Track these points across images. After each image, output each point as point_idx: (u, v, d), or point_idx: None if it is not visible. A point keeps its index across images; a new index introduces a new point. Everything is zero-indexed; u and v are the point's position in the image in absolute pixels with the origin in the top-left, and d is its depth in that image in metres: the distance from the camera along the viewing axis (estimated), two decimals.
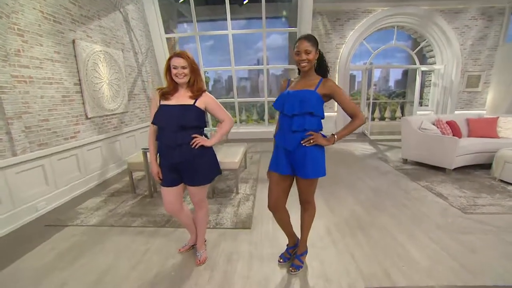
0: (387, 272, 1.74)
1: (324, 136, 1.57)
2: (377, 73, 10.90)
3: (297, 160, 1.56)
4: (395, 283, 1.64)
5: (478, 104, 6.86)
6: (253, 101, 8.31)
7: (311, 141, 1.50)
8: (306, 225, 1.78)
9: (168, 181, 1.74)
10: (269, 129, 7.22)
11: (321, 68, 1.59)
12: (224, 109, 1.81)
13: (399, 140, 4.66)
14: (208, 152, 1.77)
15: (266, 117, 7.42)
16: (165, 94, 1.67)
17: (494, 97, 6.61)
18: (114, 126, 4.20)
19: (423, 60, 7.39)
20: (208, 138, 1.77)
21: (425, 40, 6.82)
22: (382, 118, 8.63)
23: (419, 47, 6.99)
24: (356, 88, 10.20)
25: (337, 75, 6.81)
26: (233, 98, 7.13)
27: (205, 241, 2.11)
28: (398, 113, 8.60)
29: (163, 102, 1.67)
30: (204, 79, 1.81)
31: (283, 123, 1.61)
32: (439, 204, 2.74)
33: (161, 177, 1.75)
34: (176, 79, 1.62)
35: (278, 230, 2.23)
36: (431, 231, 2.23)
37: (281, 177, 1.66)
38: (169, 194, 1.77)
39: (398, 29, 6.82)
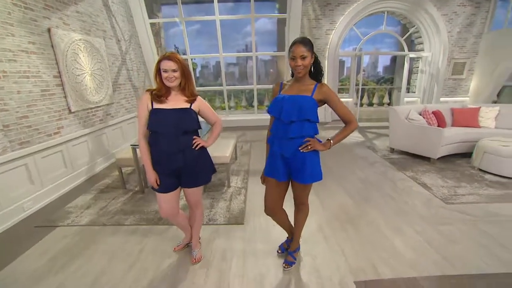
0: (374, 266, 1.85)
1: (319, 141, 1.58)
2: (366, 59, 10.87)
3: (295, 166, 1.58)
4: (381, 276, 1.75)
5: (462, 91, 7.05)
6: (242, 88, 8.17)
7: (309, 147, 1.51)
8: (299, 225, 1.83)
9: (166, 187, 1.71)
10: (258, 116, 7.20)
11: (316, 72, 1.57)
12: (214, 112, 1.80)
13: (387, 127, 4.76)
14: (205, 152, 1.79)
15: (255, 103, 7.35)
16: (158, 97, 1.60)
17: (477, 84, 6.79)
18: (100, 119, 4.06)
19: (411, 46, 7.41)
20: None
21: (414, 26, 6.80)
22: (370, 104, 8.75)
23: (408, 33, 6.99)
24: (345, 73, 10.20)
25: (326, 61, 6.75)
26: (221, 85, 6.97)
27: (200, 239, 2.14)
28: (386, 99, 8.74)
29: (158, 106, 1.60)
30: (194, 83, 1.75)
31: (279, 129, 1.59)
32: (423, 195, 2.87)
33: (158, 184, 1.71)
34: (167, 83, 1.57)
35: (271, 225, 2.30)
36: (415, 223, 2.35)
37: (277, 183, 1.67)
38: (167, 200, 1.75)
39: (388, 14, 6.75)
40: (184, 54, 6.47)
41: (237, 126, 6.95)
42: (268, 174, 1.69)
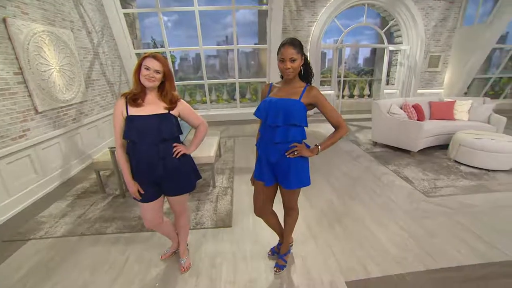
0: (363, 264, 1.90)
1: (307, 146, 1.56)
2: (347, 51, 11.03)
3: (281, 171, 1.55)
4: (370, 274, 1.80)
5: (438, 83, 7.37)
6: (224, 82, 8.00)
7: (295, 153, 1.48)
8: (288, 229, 1.82)
9: (148, 197, 1.62)
10: (241, 110, 7.11)
11: (306, 74, 1.52)
12: (198, 114, 1.70)
13: (368, 120, 4.88)
14: (188, 159, 1.69)
15: (237, 97, 7.23)
16: (134, 99, 1.48)
17: (451, 77, 7.13)
18: (73, 118, 3.79)
19: (390, 39, 7.58)
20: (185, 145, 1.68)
21: (393, 19, 6.94)
22: (351, 96, 8.92)
23: (387, 26, 7.12)
24: (326, 65, 10.31)
25: (308, 53, 6.74)
26: (202, 79, 6.76)
27: (188, 246, 2.08)
28: (367, 91, 8.94)
29: (134, 112, 1.47)
30: (176, 86, 1.63)
31: (265, 133, 1.55)
32: (405, 189, 2.98)
33: (139, 193, 1.61)
34: (144, 82, 1.44)
35: (259, 226, 2.29)
36: (399, 218, 2.44)
37: (265, 186, 1.64)
38: (150, 210, 1.67)
39: (368, 6, 6.82)
40: (162, 46, 6.18)
41: (220, 121, 6.83)
42: (257, 177, 1.67)
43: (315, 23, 6.60)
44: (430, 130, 3.86)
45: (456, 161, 3.65)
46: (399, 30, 7.08)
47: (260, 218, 1.83)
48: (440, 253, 1.99)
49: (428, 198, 2.77)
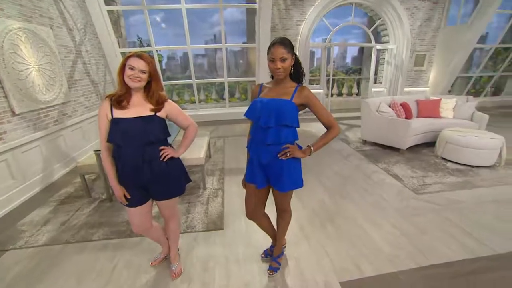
0: (356, 263, 1.91)
1: (299, 147, 1.54)
2: (335, 50, 11.18)
3: (273, 174, 1.53)
4: (364, 273, 1.81)
5: (423, 82, 7.57)
6: (212, 81, 7.91)
7: (288, 154, 1.46)
8: (281, 231, 1.81)
9: (135, 201, 1.57)
10: (230, 110, 7.05)
11: (297, 73, 1.50)
12: (186, 115, 1.65)
13: (357, 118, 4.94)
14: (176, 162, 1.64)
15: (226, 96, 7.16)
16: (118, 101, 1.42)
17: (436, 75, 7.34)
18: (55, 120, 3.63)
19: (377, 38, 7.72)
20: (173, 148, 1.63)
21: (380, 18, 7.06)
22: (339, 94, 9.03)
23: (374, 26, 7.24)
24: (315, 64, 10.38)
25: (297, 52, 6.75)
26: (190, 79, 6.66)
27: (178, 251, 2.03)
28: (355, 89, 9.07)
29: (118, 114, 1.42)
30: (163, 86, 1.58)
31: (256, 135, 1.52)
32: (395, 187, 3.04)
33: (126, 198, 1.55)
34: (129, 82, 1.38)
35: (251, 228, 2.26)
36: (390, 216, 2.48)
37: (257, 189, 1.62)
38: (138, 214, 1.61)
39: (355, 6, 6.91)
40: (149, 45, 6.03)
41: (209, 121, 6.75)
42: (248, 180, 1.64)
43: (304, 22, 6.62)
44: (418, 128, 3.95)
45: (443, 158, 3.76)
46: (386, 29, 7.22)
47: (252, 221, 1.81)
48: (431, 249, 2.03)
49: (417, 195, 2.83)
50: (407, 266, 1.87)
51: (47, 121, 3.48)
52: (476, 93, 8.27)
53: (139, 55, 1.38)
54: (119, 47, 5.70)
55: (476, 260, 1.92)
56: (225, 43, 6.39)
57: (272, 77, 1.53)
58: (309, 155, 1.52)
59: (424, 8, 6.84)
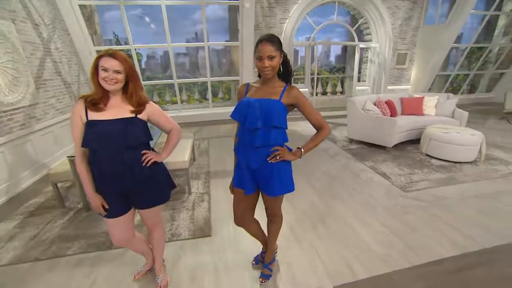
0: (349, 265, 1.89)
1: (289, 149, 1.50)
2: (319, 48, 11.36)
3: (262, 178, 1.47)
4: (357, 276, 1.80)
5: (405, 80, 7.84)
6: (195, 81, 7.75)
7: (278, 157, 1.41)
8: (272, 236, 1.76)
9: (115, 211, 1.46)
10: (214, 110, 6.94)
11: (285, 72, 1.46)
12: (169, 117, 1.57)
13: (342, 117, 5.01)
14: (160, 167, 1.55)
15: (209, 96, 7.03)
16: (94, 103, 1.31)
17: (417, 73, 7.62)
18: (21, 124, 3.37)
19: (360, 36, 7.90)
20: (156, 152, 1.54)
21: (363, 17, 7.22)
22: (324, 93, 9.16)
23: (357, 24, 7.40)
24: (299, 63, 10.46)
25: None
26: (171, 79, 6.47)
27: (164, 262, 1.93)
28: (339, 88, 9.23)
29: (94, 117, 1.31)
30: (143, 87, 1.47)
31: (244, 137, 1.46)
32: (384, 185, 3.08)
33: (104, 208, 1.44)
34: (105, 85, 1.28)
35: (240, 233, 2.20)
36: (380, 215, 2.50)
37: (246, 194, 1.56)
38: (118, 226, 1.50)
39: (339, 4, 7.02)
40: (126, 43, 5.79)
41: (192, 122, 6.60)
42: (236, 185, 1.58)
43: (287, 20, 6.64)
44: (403, 126, 4.05)
45: (427, 155, 3.88)
46: (369, 28, 7.40)
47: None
48: (422, 247, 2.06)
49: (405, 193, 2.88)
50: (400, 265, 1.88)
51: (12, 125, 3.23)
52: (453, 91, 8.69)
53: (111, 54, 1.27)
54: (94, 45, 5.43)
55: (465, 256, 1.97)
56: (208, 41, 6.27)
57: (259, 76, 1.48)
58: (299, 158, 1.48)
59: (404, 7, 7.07)
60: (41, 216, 2.65)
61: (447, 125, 3.98)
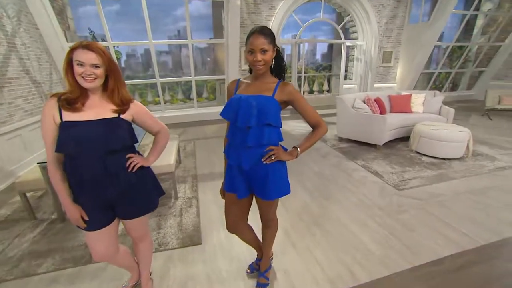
0: (350, 270, 1.85)
1: (285, 149, 1.43)
2: (305, 46, 11.45)
3: (257, 181, 1.39)
4: (359, 280, 1.75)
5: (391, 78, 8.03)
6: (178, 80, 7.54)
7: (273, 158, 1.34)
8: (268, 242, 1.69)
9: (96, 223, 1.32)
10: (199, 111, 6.77)
11: (278, 68, 1.39)
12: (156, 118, 1.45)
13: (329, 115, 5.03)
14: (147, 172, 1.43)
15: (194, 95, 6.85)
16: (70, 103, 1.17)
17: (402, 71, 7.83)
18: None
19: (346, 34, 8.01)
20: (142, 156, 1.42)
21: (349, 15, 7.32)
22: (311, 91, 9.22)
23: (343, 22, 7.49)
24: (285, 61, 10.50)
25: None
26: (153, 78, 6.26)
27: (151, 275, 1.80)
28: (326, 86, 9.32)
29: (69, 117, 1.16)
30: (125, 83, 1.34)
31: (235, 137, 1.37)
32: (377, 184, 3.09)
33: (84, 220, 1.30)
34: (82, 82, 1.14)
35: (233, 239, 2.11)
36: (376, 215, 2.49)
37: (238, 199, 1.48)
38: (100, 239, 1.35)
39: (325, 2, 7.07)
40: (104, 40, 5.52)
41: (176, 123, 6.41)
42: (227, 189, 1.50)
43: (273, 17, 6.60)
44: (393, 123, 4.11)
45: (417, 152, 3.95)
46: (355, 26, 7.50)
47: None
48: (420, 246, 2.06)
49: (399, 191, 2.90)
50: (399, 266, 1.86)
51: None
52: (436, 88, 9.00)
53: (86, 46, 1.12)
54: (67, 41, 5.13)
55: (463, 254, 1.98)
56: (191, 38, 6.11)
57: (251, 71, 1.40)
58: (295, 158, 1.41)
59: (389, 6, 7.24)
60: (7, 230, 2.42)
61: (435, 122, 4.07)
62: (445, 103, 4.91)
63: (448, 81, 9.01)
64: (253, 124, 1.29)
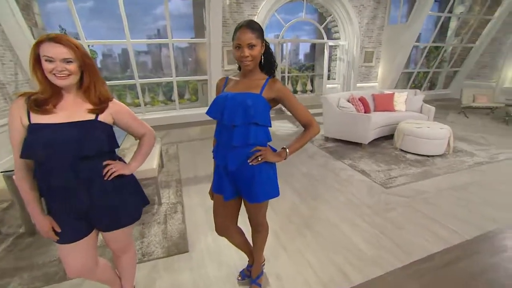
0: (343, 271, 1.84)
1: (273, 150, 1.39)
2: (288, 46, 11.53)
3: (243, 182, 1.34)
4: (353, 282, 1.74)
5: (373, 77, 8.26)
6: (159, 81, 7.34)
7: (259, 159, 1.29)
8: (258, 248, 1.64)
9: (71, 235, 1.20)
10: (181, 112, 6.61)
11: (268, 64, 1.35)
12: (141, 120, 1.35)
13: (314, 115, 5.05)
14: (128, 179, 1.31)
15: (175, 96, 6.68)
16: (39, 104, 1.05)
17: (383, 71, 8.08)
18: None
19: (328, 34, 8.14)
20: (124, 162, 1.32)
21: (330, 15, 7.45)
22: (294, 91, 9.29)
23: (326, 22, 7.62)
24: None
25: None
26: (132, 79, 6.04)
27: (134, 287, 1.69)
28: (309, 86, 9.43)
29: (38, 119, 1.05)
30: (103, 79, 1.23)
31: (221, 136, 1.33)
32: (365, 183, 3.13)
33: (56, 232, 1.18)
34: (54, 80, 1.03)
35: (221, 244, 2.06)
36: (365, 214, 2.51)
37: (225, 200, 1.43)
38: (75, 252, 1.23)
39: (307, 2, 7.16)
40: (77, 38, 5.25)
41: (158, 125, 6.21)
42: (215, 190, 1.45)
43: (256, 16, 6.58)
44: (377, 122, 4.20)
45: (402, 150, 4.06)
46: (337, 26, 7.65)
47: (222, 237, 1.61)
48: (411, 244, 2.09)
49: (386, 189, 2.95)
50: (391, 265, 1.87)
51: None
52: (415, 87, 9.37)
53: (53, 38, 1.00)
54: (34, 38, 4.82)
55: (450, 250, 2.03)
56: (172, 38, 5.96)
57: (239, 68, 1.36)
58: (284, 159, 1.37)
59: (370, 6, 7.45)
60: None
61: (418, 120, 4.21)
62: (424, 101, 5.09)
63: (426, 80, 9.40)
64: (239, 122, 1.24)
